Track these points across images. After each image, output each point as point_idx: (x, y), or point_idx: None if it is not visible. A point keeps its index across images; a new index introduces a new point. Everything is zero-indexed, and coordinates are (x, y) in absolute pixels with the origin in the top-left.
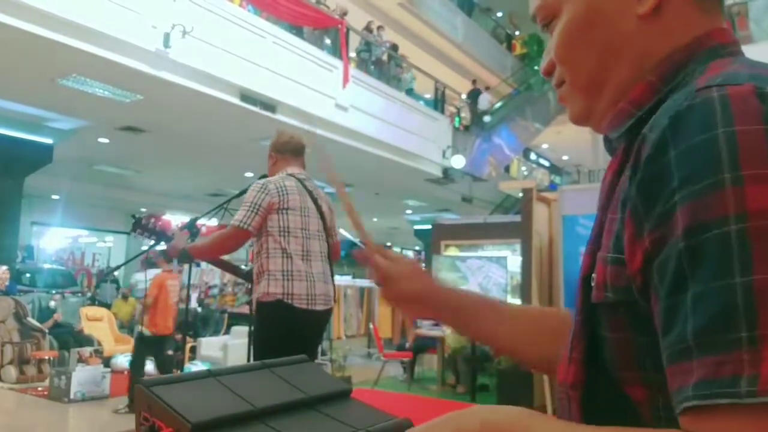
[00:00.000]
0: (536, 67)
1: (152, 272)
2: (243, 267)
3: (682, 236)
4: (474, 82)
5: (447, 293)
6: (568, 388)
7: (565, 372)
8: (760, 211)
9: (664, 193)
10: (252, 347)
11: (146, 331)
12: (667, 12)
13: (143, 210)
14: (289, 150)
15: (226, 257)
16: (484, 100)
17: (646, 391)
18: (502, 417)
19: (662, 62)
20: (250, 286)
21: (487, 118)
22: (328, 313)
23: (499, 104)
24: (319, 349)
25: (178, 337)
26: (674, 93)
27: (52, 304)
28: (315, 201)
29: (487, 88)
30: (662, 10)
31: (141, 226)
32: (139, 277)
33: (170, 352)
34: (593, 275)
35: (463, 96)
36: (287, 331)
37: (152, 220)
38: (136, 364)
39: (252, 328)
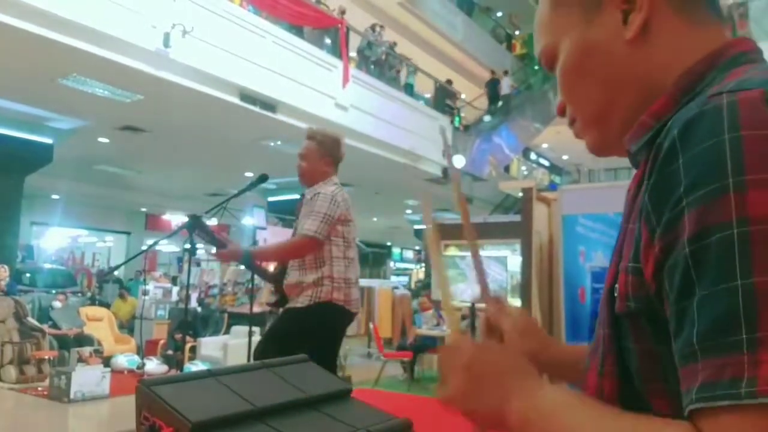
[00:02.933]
0: (536, 67)
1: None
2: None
3: (687, 241)
4: (492, 72)
5: (559, 349)
6: (605, 401)
7: (597, 385)
8: (762, 216)
9: (672, 199)
10: (286, 342)
11: None
12: (655, 32)
13: (143, 210)
14: (339, 161)
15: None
16: (506, 85)
17: (670, 402)
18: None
19: (683, 75)
20: (251, 286)
21: (487, 118)
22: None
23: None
24: None
25: (178, 336)
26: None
27: (57, 304)
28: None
29: (506, 73)
30: (650, 32)
31: (201, 226)
32: None
33: None
34: (616, 286)
35: (463, 96)
36: (336, 331)
37: (208, 222)
38: None
39: (289, 323)
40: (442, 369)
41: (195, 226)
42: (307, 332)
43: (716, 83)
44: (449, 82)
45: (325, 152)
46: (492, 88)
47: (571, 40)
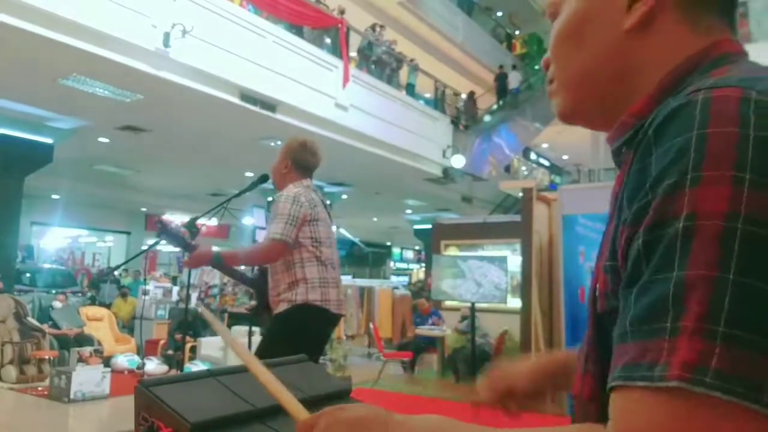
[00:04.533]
0: (536, 67)
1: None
2: (248, 274)
3: (643, 233)
4: (501, 66)
5: (553, 367)
6: (584, 401)
7: (580, 385)
8: (708, 212)
9: (641, 193)
10: (269, 347)
11: None
12: (655, 30)
13: (143, 210)
14: (307, 167)
15: None
16: (515, 79)
17: None
18: (413, 424)
19: (666, 76)
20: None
21: (487, 118)
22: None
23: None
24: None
25: (178, 336)
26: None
27: (57, 304)
28: (328, 212)
29: (514, 67)
30: (650, 28)
31: (167, 231)
32: None
33: None
34: (597, 286)
35: (463, 95)
36: (318, 333)
37: (174, 225)
38: None
39: (273, 328)
40: None
41: (162, 231)
42: (289, 337)
43: (696, 81)
44: (472, 94)
45: (287, 155)
46: (501, 82)
47: (575, 3)
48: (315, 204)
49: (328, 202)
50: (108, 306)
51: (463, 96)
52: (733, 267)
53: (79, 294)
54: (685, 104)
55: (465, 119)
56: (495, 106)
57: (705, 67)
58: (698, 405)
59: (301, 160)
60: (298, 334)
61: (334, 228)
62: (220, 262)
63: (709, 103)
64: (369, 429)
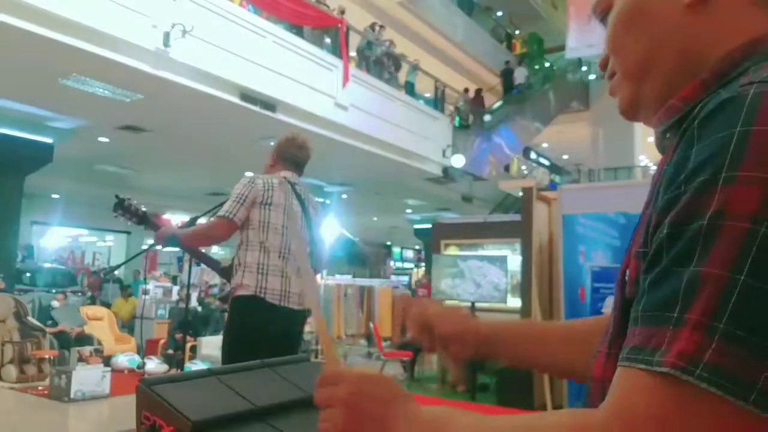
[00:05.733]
0: (536, 66)
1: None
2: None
3: (668, 224)
4: (507, 62)
5: (485, 328)
6: (606, 383)
7: (602, 368)
8: (735, 212)
9: (675, 184)
10: (222, 341)
11: None
12: (716, 5)
13: (144, 209)
14: (292, 161)
15: (203, 250)
16: (521, 74)
17: None
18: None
19: (719, 60)
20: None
21: (488, 117)
22: (303, 313)
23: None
24: (319, 348)
25: (179, 336)
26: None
27: (56, 303)
28: (303, 203)
29: (520, 63)
30: (711, 3)
31: (123, 207)
32: None
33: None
34: (627, 271)
35: (469, 93)
36: (258, 325)
37: (134, 203)
38: None
39: (225, 329)
40: (320, 403)
41: (118, 207)
42: (232, 333)
43: (751, 72)
44: (479, 90)
45: (275, 149)
46: (507, 77)
47: None
48: (272, 188)
49: (313, 197)
50: (109, 305)
51: (468, 93)
52: (746, 269)
53: (80, 293)
54: (733, 98)
55: (471, 117)
56: (500, 102)
57: (762, 54)
58: (687, 393)
59: (286, 152)
60: (238, 328)
61: (336, 227)
62: (175, 241)
63: (760, 98)
64: (389, 409)
